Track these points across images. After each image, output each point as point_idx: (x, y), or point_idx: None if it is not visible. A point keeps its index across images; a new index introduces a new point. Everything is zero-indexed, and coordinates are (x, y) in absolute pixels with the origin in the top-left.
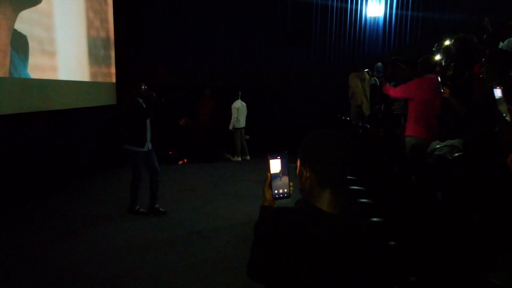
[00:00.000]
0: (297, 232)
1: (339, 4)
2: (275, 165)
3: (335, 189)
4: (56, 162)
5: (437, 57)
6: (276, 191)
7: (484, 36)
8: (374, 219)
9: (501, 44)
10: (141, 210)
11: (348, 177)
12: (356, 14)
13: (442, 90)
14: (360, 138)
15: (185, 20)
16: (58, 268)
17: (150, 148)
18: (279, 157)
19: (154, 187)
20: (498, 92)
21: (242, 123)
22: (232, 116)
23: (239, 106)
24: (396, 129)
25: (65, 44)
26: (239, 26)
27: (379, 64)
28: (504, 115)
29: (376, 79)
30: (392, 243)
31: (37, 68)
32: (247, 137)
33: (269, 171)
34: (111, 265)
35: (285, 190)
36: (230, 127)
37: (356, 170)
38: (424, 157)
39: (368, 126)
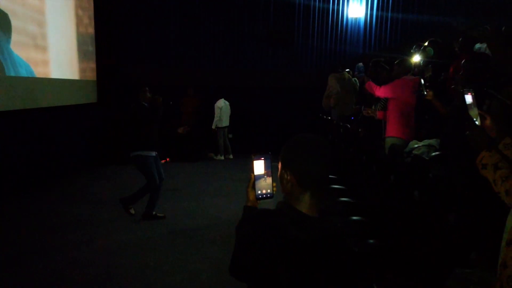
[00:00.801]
0: (278, 233)
1: (321, 5)
2: (259, 166)
3: (315, 192)
4: (39, 161)
5: (416, 59)
6: (259, 192)
7: (460, 38)
8: (354, 218)
9: (478, 46)
10: (158, 214)
11: (329, 176)
12: (337, 15)
13: (425, 92)
14: (340, 138)
15: (168, 19)
16: (39, 269)
17: (156, 154)
18: (262, 158)
19: (155, 195)
20: (469, 98)
21: (225, 122)
22: (215, 115)
23: (222, 106)
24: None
25: (52, 40)
26: (222, 25)
27: (360, 64)
28: (474, 119)
29: (357, 79)
30: (371, 241)
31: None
32: (230, 136)
33: (253, 172)
34: (94, 265)
35: (268, 191)
36: (213, 126)
37: (337, 169)
38: (402, 158)
39: (349, 126)
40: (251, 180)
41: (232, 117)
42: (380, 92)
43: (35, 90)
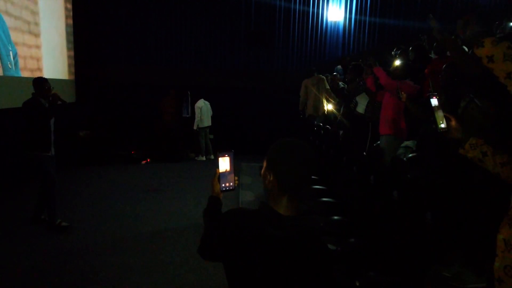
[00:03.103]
0: (255, 231)
1: (301, 8)
2: (224, 162)
3: (293, 195)
4: (12, 161)
5: (397, 62)
6: (223, 185)
7: (434, 44)
8: (335, 217)
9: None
10: (63, 224)
11: (309, 181)
12: (317, 18)
13: (402, 94)
14: (321, 139)
15: (149, 17)
16: (15, 273)
17: (53, 154)
18: (227, 155)
19: (52, 200)
20: (434, 101)
21: (206, 123)
22: (196, 116)
23: (201, 106)
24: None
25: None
26: (203, 25)
27: (339, 66)
28: (441, 122)
29: (343, 83)
30: (352, 240)
31: None
32: (211, 136)
33: (218, 167)
34: (73, 268)
35: (231, 184)
36: (195, 127)
37: (318, 169)
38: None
39: (329, 127)
40: (216, 174)
41: (213, 117)
42: (385, 81)
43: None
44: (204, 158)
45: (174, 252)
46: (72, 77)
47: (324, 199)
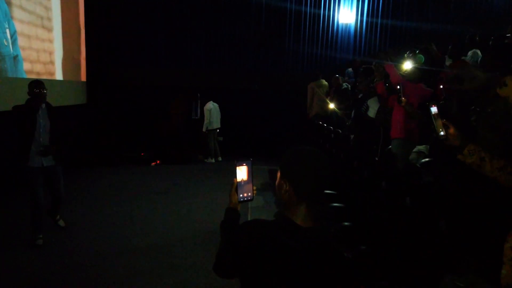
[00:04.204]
0: (272, 243)
1: (312, 10)
2: (241, 171)
3: (311, 204)
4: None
5: (407, 65)
6: (241, 195)
7: (449, 46)
8: (346, 224)
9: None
10: (38, 242)
11: (325, 188)
12: (328, 20)
13: (402, 99)
14: (332, 143)
15: (159, 19)
16: (22, 275)
17: (49, 164)
18: (245, 164)
19: (35, 217)
20: (434, 109)
21: (215, 125)
22: (205, 118)
23: (211, 108)
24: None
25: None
26: (214, 28)
27: (350, 69)
28: (440, 130)
29: (348, 84)
30: (363, 247)
31: None
32: (220, 138)
33: (236, 177)
34: (82, 271)
35: (249, 194)
36: (204, 129)
37: (329, 174)
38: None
39: (340, 131)
40: (234, 184)
41: (222, 119)
42: (397, 80)
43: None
44: (213, 160)
45: (184, 255)
46: (84, 79)
47: (334, 204)
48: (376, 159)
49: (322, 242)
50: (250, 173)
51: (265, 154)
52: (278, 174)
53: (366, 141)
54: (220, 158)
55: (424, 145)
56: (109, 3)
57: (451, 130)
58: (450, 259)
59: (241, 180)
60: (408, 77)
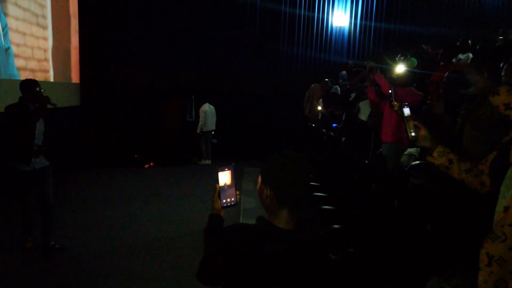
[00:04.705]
0: (255, 248)
1: (306, 13)
2: (224, 177)
3: (293, 208)
4: None
5: (400, 69)
6: (224, 201)
7: (441, 50)
8: (335, 226)
9: (459, 56)
10: (29, 244)
11: (307, 193)
12: (322, 23)
13: (394, 103)
14: (324, 145)
15: (155, 21)
16: (14, 281)
17: (41, 167)
18: (227, 169)
19: (46, 221)
20: (406, 111)
21: (210, 127)
22: (200, 120)
23: (206, 110)
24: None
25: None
26: (209, 30)
27: (344, 72)
28: (412, 131)
29: (338, 87)
30: (351, 250)
31: None
32: (215, 140)
33: (218, 183)
34: (73, 274)
35: (232, 199)
36: (198, 131)
37: (321, 176)
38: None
39: (332, 134)
40: (216, 190)
41: (217, 121)
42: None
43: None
44: (209, 162)
45: (177, 256)
46: (77, 81)
47: (325, 206)
48: (366, 161)
49: (305, 244)
50: (233, 178)
51: (260, 157)
52: (259, 180)
53: (357, 144)
54: (209, 161)
55: (415, 148)
56: (104, 4)
57: (422, 132)
58: (437, 263)
59: (224, 185)
60: (399, 81)
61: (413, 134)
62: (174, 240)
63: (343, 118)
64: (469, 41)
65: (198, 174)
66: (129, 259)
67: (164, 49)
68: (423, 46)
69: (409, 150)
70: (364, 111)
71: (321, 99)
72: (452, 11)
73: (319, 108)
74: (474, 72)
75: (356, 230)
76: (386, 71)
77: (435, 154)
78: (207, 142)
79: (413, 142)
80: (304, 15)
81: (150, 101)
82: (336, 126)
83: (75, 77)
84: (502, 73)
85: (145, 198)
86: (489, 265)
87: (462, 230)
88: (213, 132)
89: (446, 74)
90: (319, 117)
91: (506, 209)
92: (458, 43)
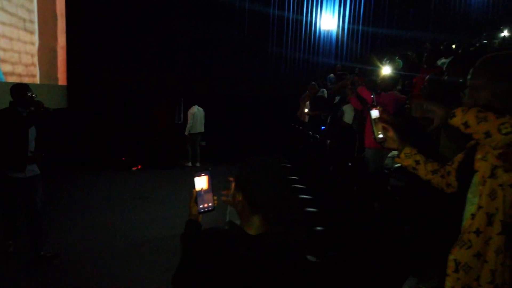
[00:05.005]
0: (228, 254)
1: (294, 16)
2: (200, 182)
3: (266, 214)
4: None
5: (386, 71)
6: (201, 206)
7: (424, 54)
8: (317, 228)
9: (443, 60)
10: (11, 249)
11: (281, 199)
12: (310, 26)
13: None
14: (310, 148)
15: (143, 23)
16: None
17: (32, 175)
18: (203, 174)
19: (34, 230)
20: (374, 113)
21: (199, 129)
22: (188, 122)
23: (195, 112)
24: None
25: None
26: (198, 33)
27: (332, 75)
28: (379, 132)
29: (325, 90)
30: (331, 252)
31: None
32: (203, 143)
33: (194, 188)
34: (63, 277)
35: (210, 204)
36: (186, 133)
37: (306, 178)
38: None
39: (318, 136)
40: (192, 195)
41: (206, 123)
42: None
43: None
44: (190, 164)
45: (162, 261)
46: (64, 83)
47: (309, 209)
48: (349, 164)
49: (277, 250)
50: (210, 183)
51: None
52: (233, 185)
53: (342, 146)
54: (198, 164)
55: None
56: (92, 4)
57: (390, 133)
58: (415, 264)
59: (201, 190)
60: (383, 85)
61: (380, 136)
62: (163, 243)
63: (328, 121)
64: (453, 46)
65: (186, 177)
66: (118, 263)
67: (153, 50)
68: (408, 53)
69: (393, 152)
70: (349, 114)
71: (307, 102)
72: (438, 15)
73: (306, 110)
74: (432, 104)
75: (339, 232)
76: (372, 73)
77: (402, 155)
78: (195, 144)
79: (380, 144)
80: (292, 18)
81: (139, 103)
82: (324, 128)
83: (62, 78)
84: (469, 77)
85: (133, 201)
86: (456, 272)
87: (439, 232)
88: (202, 135)
89: (426, 78)
90: (306, 119)
91: (472, 216)
92: (442, 47)
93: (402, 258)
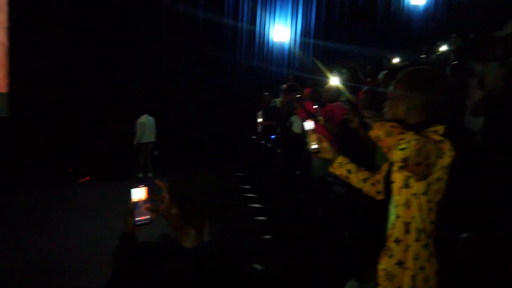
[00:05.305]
0: (161, 269)
1: (248, 27)
2: (138, 193)
3: (201, 225)
4: None
5: (335, 82)
6: (138, 218)
7: (368, 67)
8: (266, 237)
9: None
10: None
11: (215, 211)
12: (263, 37)
13: (319, 118)
14: (261, 157)
15: (93, 29)
16: None
17: None
18: (142, 185)
19: None
20: (309, 125)
21: (148, 138)
22: (137, 131)
23: (144, 121)
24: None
25: None
26: (152, 41)
27: (284, 86)
28: (313, 143)
29: (277, 101)
30: (277, 259)
31: None
32: (156, 153)
33: (131, 200)
34: None
35: (147, 217)
36: (135, 143)
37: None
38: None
39: (269, 145)
40: (129, 207)
41: (159, 133)
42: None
43: None
44: (141, 175)
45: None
46: (3, 89)
47: (259, 218)
48: (297, 172)
49: (216, 261)
50: (148, 195)
51: (203, 168)
52: (166, 197)
53: (290, 155)
54: (150, 174)
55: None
56: (36, 11)
57: (324, 144)
58: (355, 268)
59: (139, 202)
60: (327, 96)
61: (314, 146)
62: (109, 258)
63: (278, 131)
64: (394, 60)
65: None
66: (62, 278)
67: (104, 58)
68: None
69: None
70: (297, 124)
71: (260, 112)
72: (383, 32)
73: (259, 120)
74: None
75: (287, 239)
76: (321, 82)
77: (335, 165)
78: (146, 154)
79: (314, 154)
80: (246, 28)
81: (87, 112)
82: (273, 138)
83: (1, 83)
84: (389, 88)
85: (79, 214)
86: (387, 280)
87: (374, 237)
88: (153, 144)
89: (363, 90)
90: (259, 129)
91: (393, 225)
92: (383, 63)
93: (343, 262)
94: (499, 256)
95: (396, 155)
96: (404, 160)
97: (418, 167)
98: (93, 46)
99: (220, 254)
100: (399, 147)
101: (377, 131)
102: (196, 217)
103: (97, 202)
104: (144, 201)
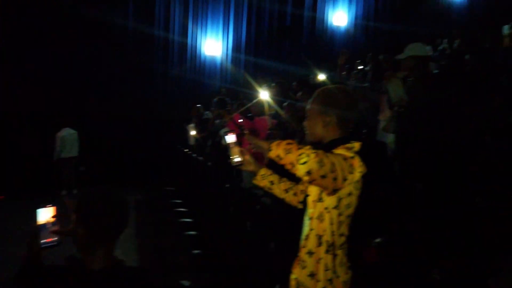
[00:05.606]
0: None
1: (179, 39)
2: (45, 214)
3: (108, 245)
4: None
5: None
6: (44, 240)
7: (293, 83)
8: (196, 251)
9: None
10: None
11: (121, 230)
12: (195, 51)
13: (244, 132)
14: (193, 170)
15: (14, 34)
16: None
17: None
18: (50, 205)
19: None
20: (230, 138)
21: (68, 153)
22: (56, 146)
23: (63, 135)
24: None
25: None
26: (77, 51)
27: (216, 99)
28: (236, 156)
29: (209, 113)
30: (206, 274)
31: None
32: (82, 168)
33: (37, 222)
34: None
35: (55, 239)
36: (54, 158)
37: (189, 200)
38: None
39: (201, 159)
40: (34, 229)
41: (88, 147)
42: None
43: None
44: (65, 192)
45: None
46: None
47: (189, 232)
48: (227, 186)
49: (121, 282)
50: (57, 215)
51: (134, 182)
52: (74, 217)
53: (222, 168)
54: (75, 191)
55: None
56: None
57: (246, 157)
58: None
59: (46, 223)
60: (254, 111)
61: (236, 159)
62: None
63: (209, 144)
64: (317, 77)
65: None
66: None
67: (23, 67)
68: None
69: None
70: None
71: (192, 124)
72: (308, 49)
73: (192, 133)
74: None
75: (217, 254)
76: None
77: (258, 177)
78: (69, 170)
79: (237, 167)
80: (177, 41)
81: (4, 126)
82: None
83: None
84: (307, 107)
85: None
86: None
87: (294, 246)
88: (76, 159)
89: (284, 105)
90: (192, 142)
91: (306, 237)
92: (310, 81)
93: (268, 271)
94: (406, 257)
95: (300, 170)
96: (308, 173)
97: (325, 180)
98: (12, 58)
99: (133, 274)
100: (301, 161)
101: (276, 151)
102: (103, 237)
103: (11, 224)
104: (53, 222)
